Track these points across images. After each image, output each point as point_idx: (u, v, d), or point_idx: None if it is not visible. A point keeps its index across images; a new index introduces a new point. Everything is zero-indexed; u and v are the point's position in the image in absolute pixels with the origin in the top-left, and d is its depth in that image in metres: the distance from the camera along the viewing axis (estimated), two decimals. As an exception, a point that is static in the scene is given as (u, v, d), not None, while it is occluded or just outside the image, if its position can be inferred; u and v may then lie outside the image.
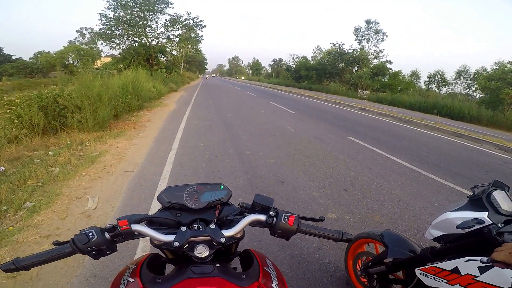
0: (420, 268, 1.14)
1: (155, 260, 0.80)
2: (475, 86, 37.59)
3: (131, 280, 0.65)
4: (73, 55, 45.26)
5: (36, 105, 5.49)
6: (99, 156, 4.48)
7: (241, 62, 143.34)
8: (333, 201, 3.30)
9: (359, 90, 33.72)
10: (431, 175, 4.54)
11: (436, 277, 1.05)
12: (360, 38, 41.33)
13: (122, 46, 25.43)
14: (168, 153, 4.81)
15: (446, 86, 47.10)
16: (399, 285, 1.47)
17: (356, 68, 40.55)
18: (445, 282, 1.01)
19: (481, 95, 31.85)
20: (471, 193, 1.13)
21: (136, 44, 25.47)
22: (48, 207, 2.81)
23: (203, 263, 0.69)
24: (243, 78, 50.69)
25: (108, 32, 24.34)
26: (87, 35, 63.78)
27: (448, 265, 1.01)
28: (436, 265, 1.07)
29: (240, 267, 0.87)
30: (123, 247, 2.18)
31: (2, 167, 3.71)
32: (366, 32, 40.74)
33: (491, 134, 11.54)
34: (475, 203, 1.07)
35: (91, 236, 0.63)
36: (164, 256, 0.83)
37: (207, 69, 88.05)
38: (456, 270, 0.97)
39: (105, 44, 25.26)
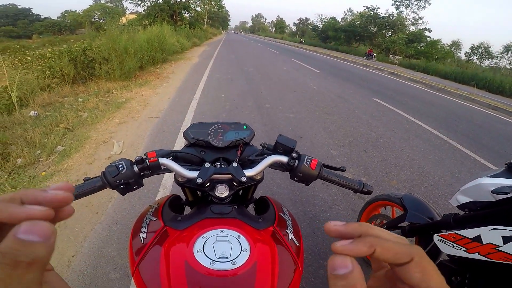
0: (439, 234, 1.11)
1: (176, 202, 0.82)
2: (524, 62, 33.92)
3: (153, 218, 0.68)
4: (99, 13, 45.40)
5: (66, 58, 5.74)
6: (125, 103, 4.63)
7: (264, 20, 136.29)
8: (351, 161, 3.26)
9: (391, 55, 31.48)
10: (457, 144, 4.30)
11: (455, 245, 1.02)
12: (398, 3, 37.64)
13: (147, 3, 25.17)
14: (190, 102, 4.88)
15: (490, 59, 43.05)
16: None
17: (390, 33, 37.40)
18: (464, 250, 0.99)
19: (528, 72, 28.78)
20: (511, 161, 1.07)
21: (160, 0, 25.03)
22: (77, 151, 2.95)
23: (222, 204, 0.70)
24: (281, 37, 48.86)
25: (133, -11, 23.85)
26: (113, -7, 62.30)
27: (470, 233, 0.97)
28: (457, 232, 1.03)
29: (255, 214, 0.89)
30: (144, 194, 2.28)
31: (36, 112, 3.93)
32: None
33: (532, 109, 10.62)
34: None
35: (121, 168, 0.64)
36: (185, 198, 0.86)
37: (230, 25, 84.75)
38: (478, 239, 0.94)
39: (130, 1, 25.11)
